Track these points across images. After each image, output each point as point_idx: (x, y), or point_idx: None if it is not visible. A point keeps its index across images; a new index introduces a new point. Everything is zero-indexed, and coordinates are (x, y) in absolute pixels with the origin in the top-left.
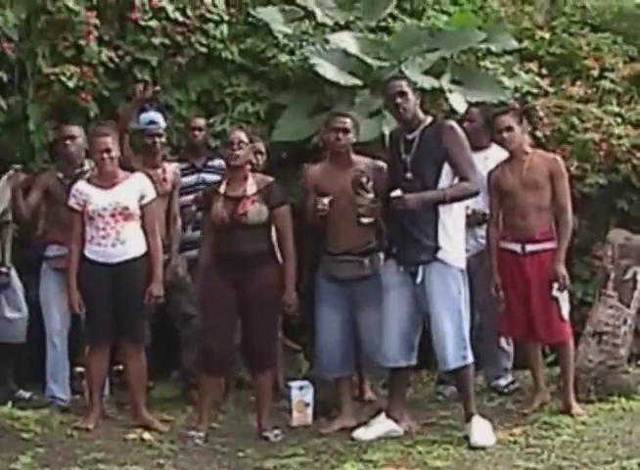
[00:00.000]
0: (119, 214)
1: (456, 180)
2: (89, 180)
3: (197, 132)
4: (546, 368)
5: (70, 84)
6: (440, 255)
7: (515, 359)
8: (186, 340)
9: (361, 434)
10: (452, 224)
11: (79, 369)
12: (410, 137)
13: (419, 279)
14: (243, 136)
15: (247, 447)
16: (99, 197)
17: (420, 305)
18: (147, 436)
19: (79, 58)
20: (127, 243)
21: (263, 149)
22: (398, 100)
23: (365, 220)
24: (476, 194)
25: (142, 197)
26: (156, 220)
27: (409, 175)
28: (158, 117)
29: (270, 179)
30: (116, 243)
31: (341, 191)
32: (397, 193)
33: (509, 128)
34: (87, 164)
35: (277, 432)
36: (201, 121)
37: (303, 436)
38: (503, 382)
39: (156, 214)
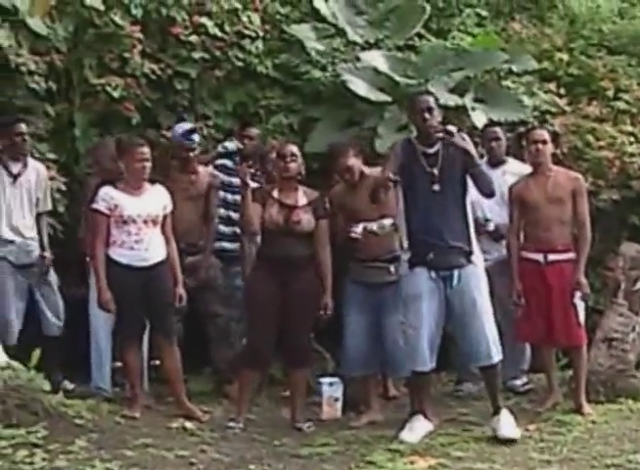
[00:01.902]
0: (151, 222)
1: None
2: (116, 186)
3: (246, 141)
4: (559, 371)
5: (115, 94)
6: (473, 258)
7: (529, 364)
8: (213, 338)
9: (408, 436)
10: (472, 229)
11: (117, 364)
12: (432, 151)
13: (455, 282)
14: (295, 150)
15: (282, 437)
16: (131, 203)
17: (450, 309)
18: (188, 425)
19: (124, 69)
20: (157, 248)
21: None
22: (426, 115)
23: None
24: (490, 193)
25: (165, 207)
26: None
27: (437, 187)
28: (192, 130)
29: (316, 193)
30: (149, 248)
31: (364, 205)
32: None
33: (544, 142)
34: None
35: (309, 424)
36: (254, 131)
37: (334, 428)
38: (519, 382)
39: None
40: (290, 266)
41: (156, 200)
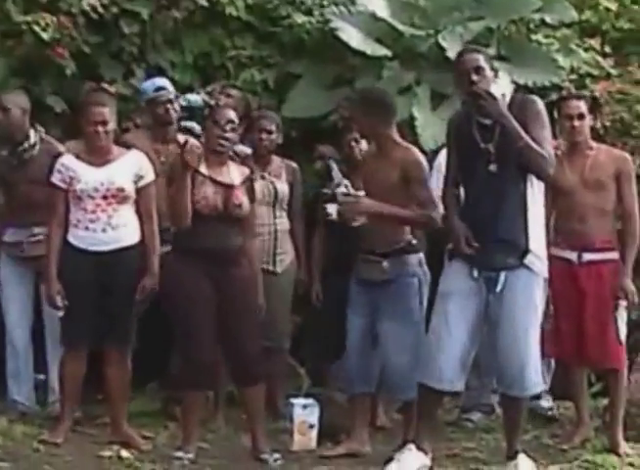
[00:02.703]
0: (112, 197)
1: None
2: (77, 155)
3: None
4: (591, 399)
5: (45, 36)
6: (529, 259)
7: (552, 388)
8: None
9: None
10: (538, 222)
11: (40, 376)
12: (488, 122)
13: (499, 288)
14: (233, 116)
15: None
16: (89, 175)
17: (489, 317)
18: (125, 454)
19: (56, 5)
20: (120, 229)
21: (272, 127)
22: (474, 77)
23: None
24: (545, 175)
25: (139, 178)
26: (154, 206)
27: (493, 168)
28: (164, 82)
29: (247, 171)
30: (107, 228)
31: (368, 182)
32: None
33: (581, 116)
34: (32, 137)
35: (276, 455)
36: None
37: (307, 462)
38: (546, 404)
39: (154, 198)
40: (225, 260)
41: (125, 170)
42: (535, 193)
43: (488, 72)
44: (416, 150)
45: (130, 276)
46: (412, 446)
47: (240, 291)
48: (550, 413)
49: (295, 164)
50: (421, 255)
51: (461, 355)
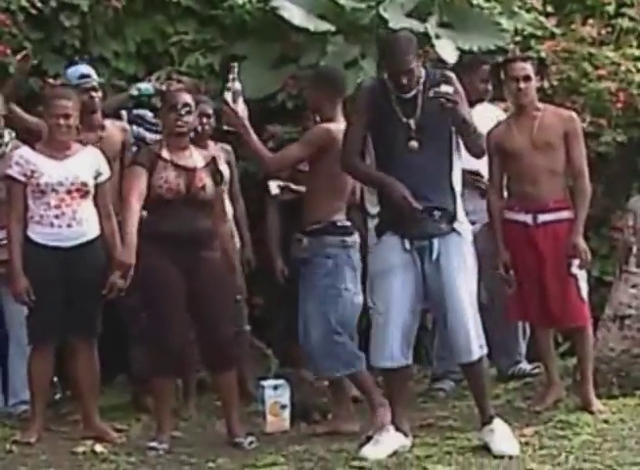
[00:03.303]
0: (76, 191)
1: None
2: (34, 147)
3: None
4: (559, 359)
5: None
6: (457, 225)
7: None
8: (135, 337)
9: (371, 452)
10: (459, 188)
11: None
12: (409, 96)
13: (434, 256)
14: (189, 99)
15: (217, 457)
16: (52, 169)
17: (426, 288)
18: (99, 448)
19: None
20: (84, 223)
21: (210, 110)
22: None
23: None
24: (481, 153)
25: (99, 174)
26: (110, 202)
27: (414, 144)
28: (89, 69)
29: (212, 153)
30: (72, 223)
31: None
32: (447, 88)
33: (527, 78)
34: (7, 136)
35: (251, 439)
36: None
37: (281, 443)
38: (527, 366)
39: (110, 195)
40: (194, 244)
41: (86, 165)
42: (456, 159)
43: (415, 58)
44: (334, 125)
45: (95, 269)
46: (390, 428)
47: (211, 274)
48: (536, 371)
49: (228, 147)
50: (348, 238)
51: (407, 332)
